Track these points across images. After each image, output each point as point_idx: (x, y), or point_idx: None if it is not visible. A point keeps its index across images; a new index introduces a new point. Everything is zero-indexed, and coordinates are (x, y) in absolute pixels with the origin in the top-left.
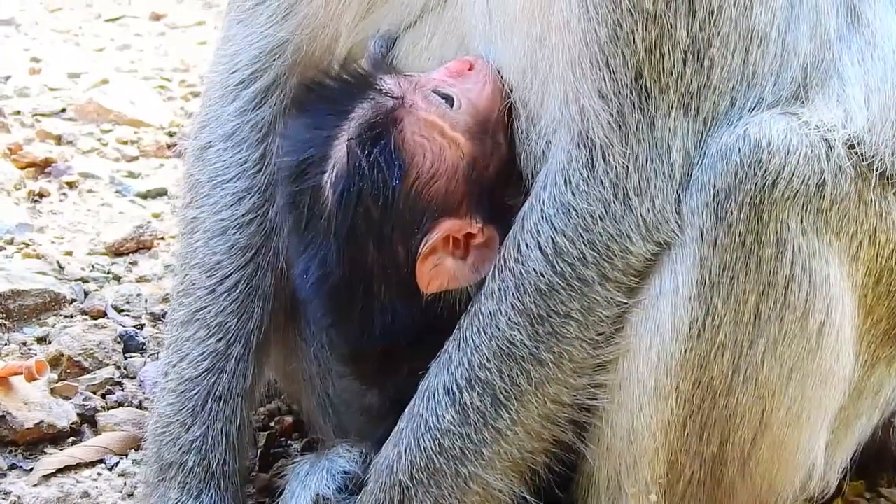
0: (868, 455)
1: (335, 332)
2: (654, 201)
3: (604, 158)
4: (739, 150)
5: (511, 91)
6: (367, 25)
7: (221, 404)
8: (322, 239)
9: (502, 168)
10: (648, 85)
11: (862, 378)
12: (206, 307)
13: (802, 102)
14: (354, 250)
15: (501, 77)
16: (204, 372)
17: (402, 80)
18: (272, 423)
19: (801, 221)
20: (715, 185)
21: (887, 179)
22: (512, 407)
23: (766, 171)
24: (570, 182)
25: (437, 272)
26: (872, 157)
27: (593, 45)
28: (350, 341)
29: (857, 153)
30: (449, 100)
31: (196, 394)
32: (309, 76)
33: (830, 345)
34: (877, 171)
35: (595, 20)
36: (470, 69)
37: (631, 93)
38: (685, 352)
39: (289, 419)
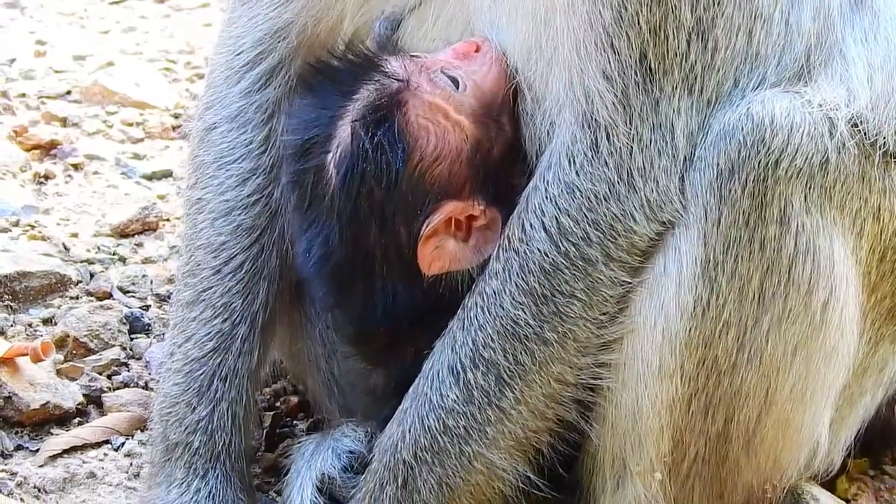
0: (872, 433)
1: (338, 313)
2: (657, 181)
3: (608, 139)
4: (742, 128)
5: (516, 73)
6: (372, 7)
7: (227, 384)
8: (325, 218)
9: (506, 150)
10: (653, 66)
11: (866, 355)
12: (211, 287)
13: (805, 82)
14: (357, 230)
15: (506, 59)
16: (210, 352)
17: (407, 61)
18: (278, 404)
19: (805, 199)
20: (718, 164)
21: (891, 157)
22: (516, 386)
23: (769, 149)
24: (575, 162)
25: (438, 254)
26: (876, 135)
27: (598, 26)
28: (353, 321)
29: (860, 132)
30: (454, 82)
31: (202, 374)
32: (314, 57)
33: (834, 322)
34: (880, 149)
35: (600, 1)
36: (476, 51)
37: (635, 74)
38: (689, 330)
39: (294, 399)
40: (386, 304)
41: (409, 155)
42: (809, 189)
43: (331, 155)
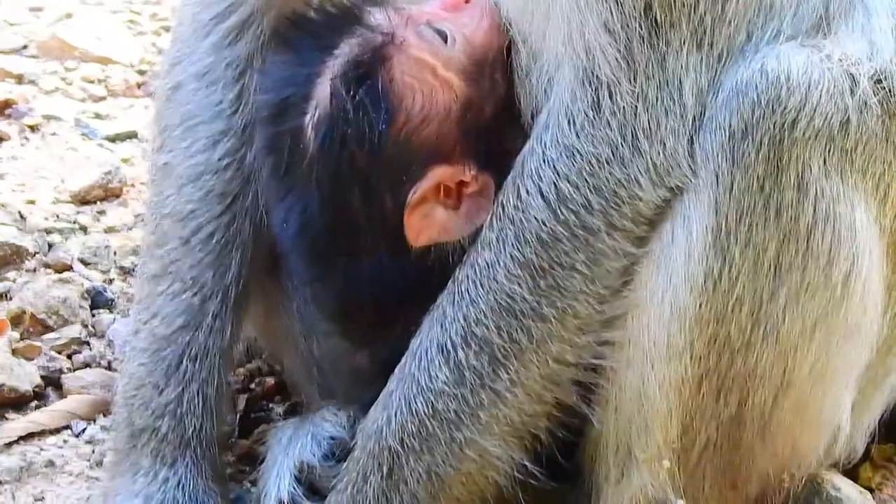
0: None
1: (319, 287)
2: (664, 143)
3: (610, 97)
4: (756, 86)
5: (510, 26)
6: None
7: (197, 364)
8: (303, 185)
9: (499, 110)
10: (659, 18)
11: (891, 332)
12: (179, 259)
13: (824, 34)
14: (338, 198)
15: (499, 10)
16: (178, 329)
17: (392, 13)
18: (252, 385)
19: (825, 163)
20: (731, 125)
21: None
22: (511, 367)
23: (785, 108)
24: (575, 123)
25: (427, 223)
26: None
27: None
28: (335, 297)
29: (884, 88)
30: (443, 36)
31: (170, 353)
32: (289, 8)
33: (857, 296)
34: None
35: None
36: (466, 2)
37: (640, 27)
38: (700, 305)
39: (270, 380)
40: (370, 277)
41: (393, 115)
42: (829, 152)
43: (309, 116)
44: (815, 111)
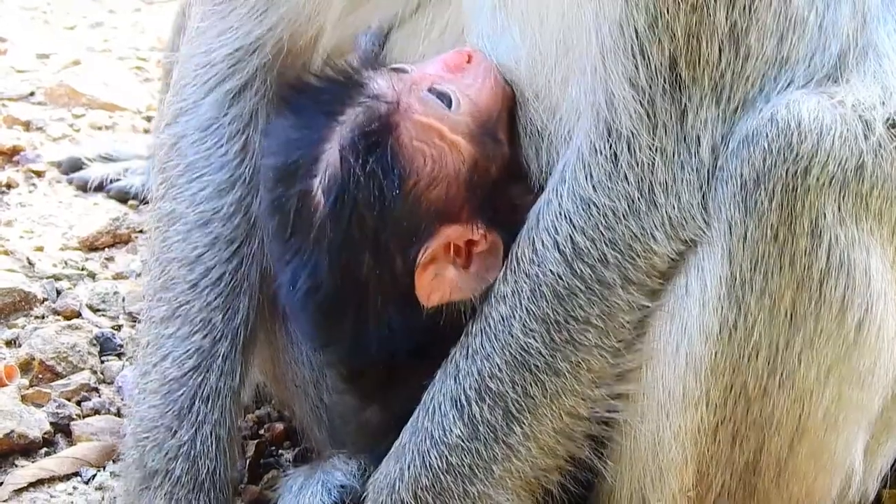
0: None
1: (329, 349)
2: (680, 197)
3: (629, 151)
4: (767, 134)
5: (519, 83)
6: (355, 20)
7: (210, 405)
8: (312, 248)
9: (505, 168)
10: (683, 74)
11: None
12: (188, 302)
13: (836, 82)
14: (348, 261)
15: (503, 69)
16: (189, 371)
17: (394, 79)
18: (262, 431)
19: (839, 209)
20: (742, 174)
21: None
22: (525, 421)
23: (797, 155)
24: (592, 176)
25: (437, 283)
26: None
27: (630, 31)
28: (345, 358)
29: None
30: (446, 98)
31: (182, 394)
32: (291, 71)
33: (870, 342)
34: None
35: (634, 5)
36: (468, 61)
37: (664, 82)
38: (715, 354)
39: (279, 426)
40: (381, 338)
41: (403, 180)
42: (843, 197)
43: (318, 179)
44: (828, 157)
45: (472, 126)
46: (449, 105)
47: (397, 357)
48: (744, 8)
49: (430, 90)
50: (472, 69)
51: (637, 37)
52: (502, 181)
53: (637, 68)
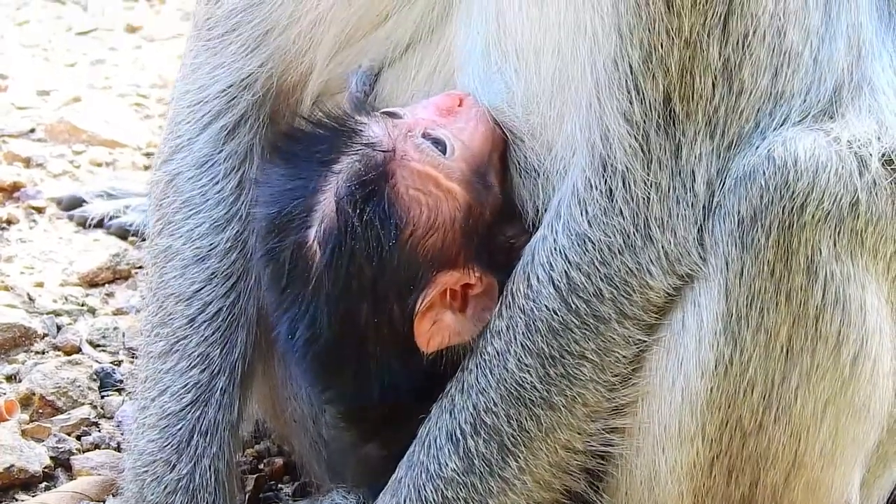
0: None
1: (330, 395)
2: (675, 232)
3: (624, 186)
4: (764, 172)
5: (511, 123)
6: (345, 59)
7: (208, 439)
8: (310, 298)
9: (498, 210)
10: (676, 109)
11: None
12: (186, 337)
13: (832, 118)
14: (346, 311)
15: (493, 111)
16: (188, 405)
17: (389, 125)
18: (261, 466)
19: (835, 245)
20: (739, 211)
21: None
22: (520, 455)
23: (793, 193)
24: (587, 212)
25: (436, 328)
26: None
27: (624, 66)
28: (346, 404)
29: (894, 168)
30: (441, 145)
31: (180, 429)
32: (284, 108)
33: (865, 377)
34: None
35: (629, 42)
36: (460, 105)
37: (658, 117)
38: (711, 390)
39: (279, 461)
40: (382, 384)
41: (401, 230)
42: (839, 234)
43: (313, 230)
44: (823, 193)
45: (467, 172)
46: (444, 151)
47: (397, 399)
48: (737, 43)
49: (424, 136)
50: (464, 112)
51: (631, 72)
52: (496, 224)
53: (631, 103)
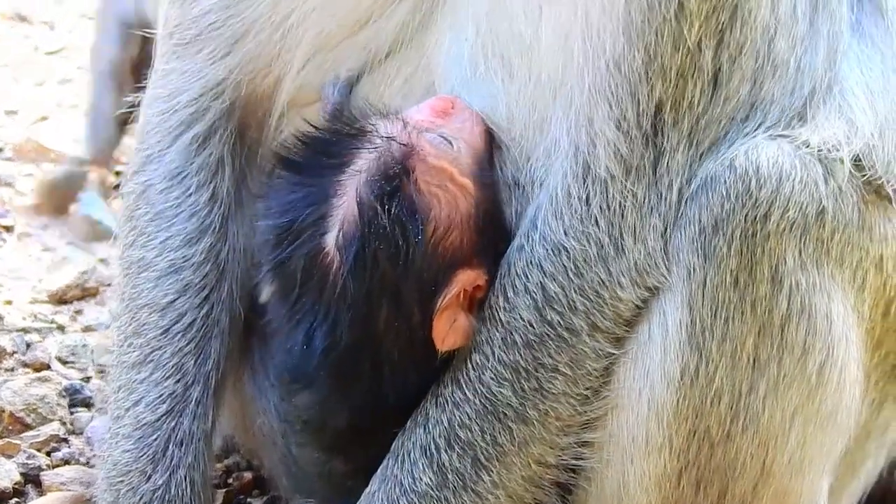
0: (872, 499)
1: (342, 408)
2: (646, 242)
3: (602, 194)
4: (725, 180)
5: (497, 129)
6: (319, 67)
7: (183, 449)
8: (329, 306)
9: (497, 211)
10: (666, 117)
11: (869, 418)
12: (160, 347)
13: (803, 121)
14: (367, 315)
15: (485, 114)
16: (163, 415)
17: (398, 122)
18: (230, 480)
19: (800, 254)
20: (701, 220)
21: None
22: (493, 469)
23: (756, 201)
24: (564, 221)
25: (454, 328)
26: (883, 174)
27: (626, 71)
28: (339, 417)
29: (863, 169)
30: (448, 142)
31: (156, 439)
32: (251, 121)
33: (832, 386)
34: (889, 187)
35: (635, 45)
36: (452, 107)
37: (649, 125)
38: (678, 401)
39: (248, 475)
40: (397, 390)
41: (425, 227)
42: (804, 243)
43: (331, 235)
44: (788, 202)
45: (475, 168)
46: (452, 147)
47: (410, 409)
48: (732, 51)
49: (433, 133)
50: (458, 114)
51: (632, 77)
52: (498, 223)
53: (626, 110)
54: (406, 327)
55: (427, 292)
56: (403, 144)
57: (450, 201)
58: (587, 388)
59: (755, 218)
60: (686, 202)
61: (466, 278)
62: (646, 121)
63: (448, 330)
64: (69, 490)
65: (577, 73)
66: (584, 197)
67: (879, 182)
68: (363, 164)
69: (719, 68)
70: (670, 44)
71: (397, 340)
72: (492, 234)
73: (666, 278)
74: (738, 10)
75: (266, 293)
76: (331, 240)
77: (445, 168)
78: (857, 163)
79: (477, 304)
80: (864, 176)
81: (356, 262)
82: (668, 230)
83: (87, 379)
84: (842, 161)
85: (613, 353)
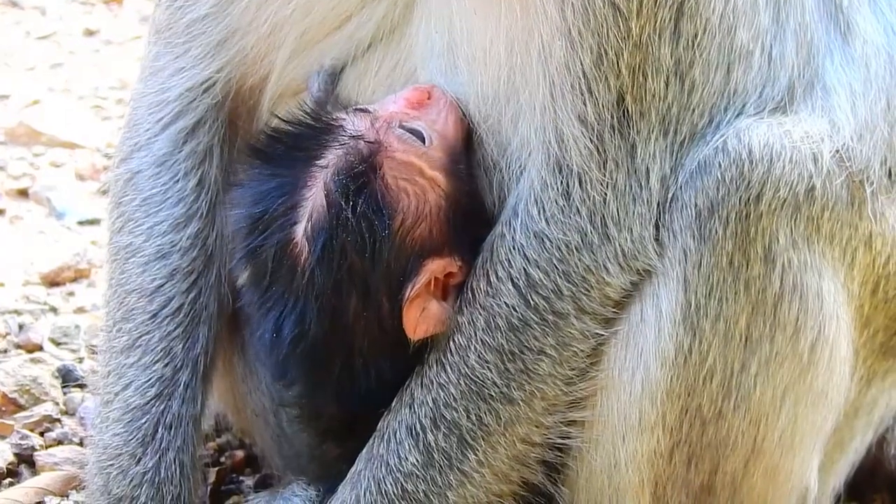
0: (861, 474)
1: (317, 396)
2: (632, 230)
3: (581, 186)
4: (719, 164)
5: (476, 119)
6: (305, 60)
7: (172, 432)
8: (297, 295)
9: (472, 200)
10: (630, 109)
11: (858, 395)
12: (149, 332)
13: (785, 113)
14: (335, 305)
15: (463, 104)
16: (152, 399)
17: (369, 118)
18: (222, 459)
19: (791, 232)
20: (696, 204)
21: (881, 189)
22: (479, 448)
23: (749, 183)
24: (545, 210)
25: (424, 317)
26: (863, 169)
27: (577, 71)
28: (329, 405)
29: (844, 166)
30: (419, 135)
31: (145, 422)
32: (240, 112)
33: (823, 364)
34: (868, 182)
35: (579, 46)
36: (428, 98)
37: (612, 118)
38: (671, 379)
39: (240, 454)
40: (368, 380)
41: (392, 220)
42: (795, 221)
43: (301, 226)
44: (779, 181)
45: (446, 160)
46: (423, 141)
47: (383, 400)
48: (688, 43)
49: (402, 127)
50: (434, 104)
51: (583, 75)
52: (472, 212)
53: (585, 105)
54: (375, 317)
55: (395, 282)
56: (370, 142)
57: (418, 194)
58: (573, 370)
59: (749, 199)
60: (680, 187)
61: (436, 267)
62: (608, 115)
63: (418, 318)
64: (62, 470)
65: (533, 73)
66: (562, 189)
67: (857, 181)
68: (331, 160)
69: (679, 59)
70: (615, 41)
71: (368, 330)
72: (465, 222)
73: (656, 262)
74: (685, 4)
75: (241, 279)
76: (300, 230)
77: (413, 163)
78: (839, 159)
79: (454, 289)
80: (847, 169)
81: (324, 252)
82: (657, 217)
83: (80, 360)
84: (824, 153)
85: (601, 334)
